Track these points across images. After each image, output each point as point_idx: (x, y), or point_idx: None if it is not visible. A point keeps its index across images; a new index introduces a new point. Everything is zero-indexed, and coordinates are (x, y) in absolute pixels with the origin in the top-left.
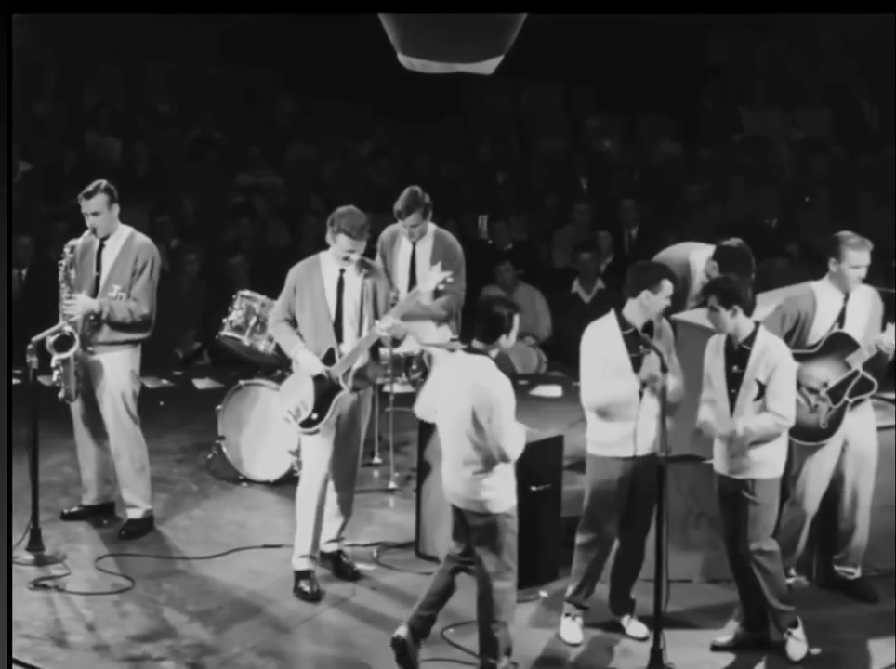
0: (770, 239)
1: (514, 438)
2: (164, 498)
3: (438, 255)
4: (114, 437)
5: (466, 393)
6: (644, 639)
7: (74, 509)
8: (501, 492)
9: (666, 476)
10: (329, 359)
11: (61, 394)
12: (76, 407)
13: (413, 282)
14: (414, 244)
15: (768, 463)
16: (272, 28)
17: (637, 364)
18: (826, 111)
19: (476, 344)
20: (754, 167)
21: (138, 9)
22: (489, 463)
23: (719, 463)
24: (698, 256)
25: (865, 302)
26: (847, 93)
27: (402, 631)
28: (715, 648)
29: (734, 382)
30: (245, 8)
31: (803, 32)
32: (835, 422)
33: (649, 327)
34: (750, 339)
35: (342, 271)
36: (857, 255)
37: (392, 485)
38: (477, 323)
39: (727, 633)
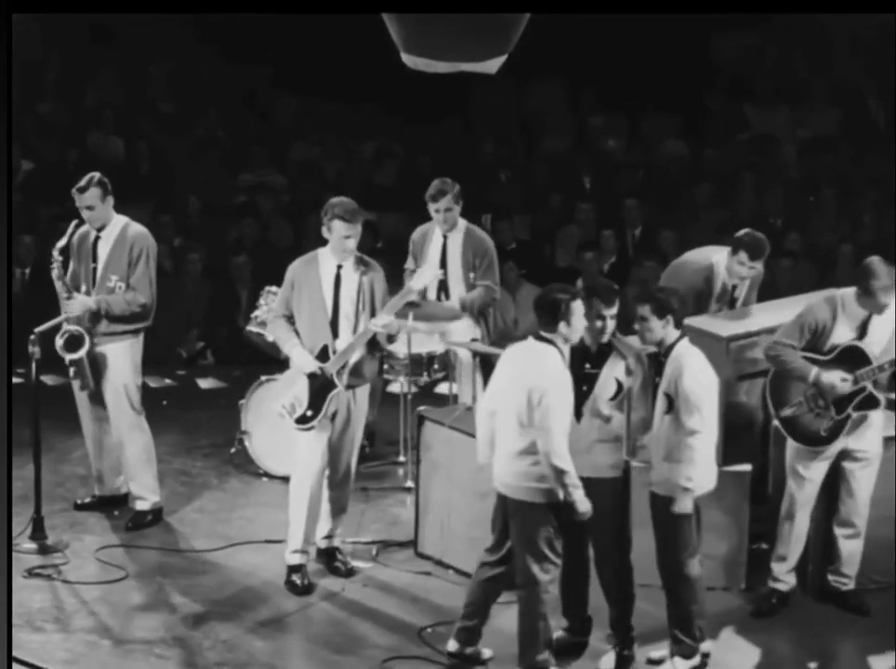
0: (775, 238)
1: (558, 434)
2: (182, 491)
3: (468, 249)
4: (117, 428)
5: (524, 378)
6: None
7: (87, 500)
8: (547, 484)
9: (629, 480)
10: (324, 355)
11: (78, 385)
12: (83, 399)
13: (444, 276)
14: (445, 238)
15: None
16: (275, 27)
17: (580, 381)
18: (833, 109)
19: (543, 333)
20: (760, 166)
21: (138, 9)
22: (537, 453)
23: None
24: (720, 258)
25: (889, 315)
26: (854, 92)
27: (451, 645)
28: (650, 662)
29: (655, 394)
30: (247, 8)
31: (809, 30)
32: (835, 432)
33: (602, 349)
34: (668, 351)
35: (339, 267)
36: (886, 297)
37: (410, 484)
38: (536, 310)
39: (662, 647)
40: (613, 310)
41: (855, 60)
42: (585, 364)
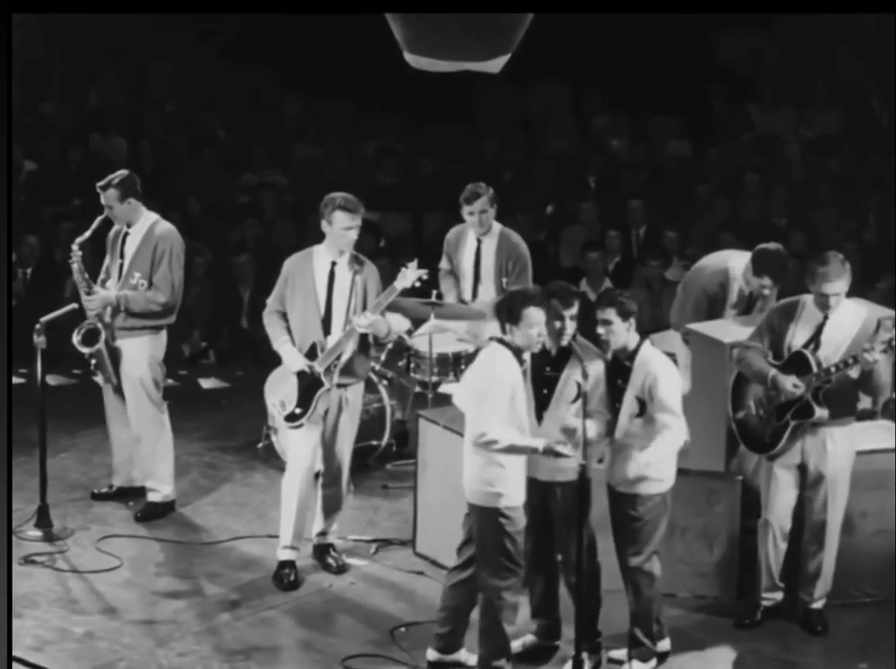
0: (780, 238)
1: (479, 423)
2: (203, 484)
3: (502, 253)
4: (135, 421)
5: (470, 378)
6: None
7: (104, 490)
8: (503, 488)
9: (588, 485)
10: (312, 353)
11: (100, 379)
12: (107, 392)
13: (477, 278)
14: (479, 242)
15: (650, 479)
16: (278, 27)
17: (540, 384)
18: (837, 109)
19: (500, 335)
20: (763, 166)
21: (137, 9)
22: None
23: (608, 474)
24: (737, 263)
25: (852, 321)
26: (858, 92)
27: (430, 654)
28: (610, 661)
29: (618, 396)
30: (251, 8)
31: (813, 30)
32: (775, 438)
33: (563, 353)
34: (633, 355)
35: (333, 264)
36: (827, 286)
37: None
38: (494, 313)
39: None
40: (572, 311)
41: (858, 60)
42: (545, 367)
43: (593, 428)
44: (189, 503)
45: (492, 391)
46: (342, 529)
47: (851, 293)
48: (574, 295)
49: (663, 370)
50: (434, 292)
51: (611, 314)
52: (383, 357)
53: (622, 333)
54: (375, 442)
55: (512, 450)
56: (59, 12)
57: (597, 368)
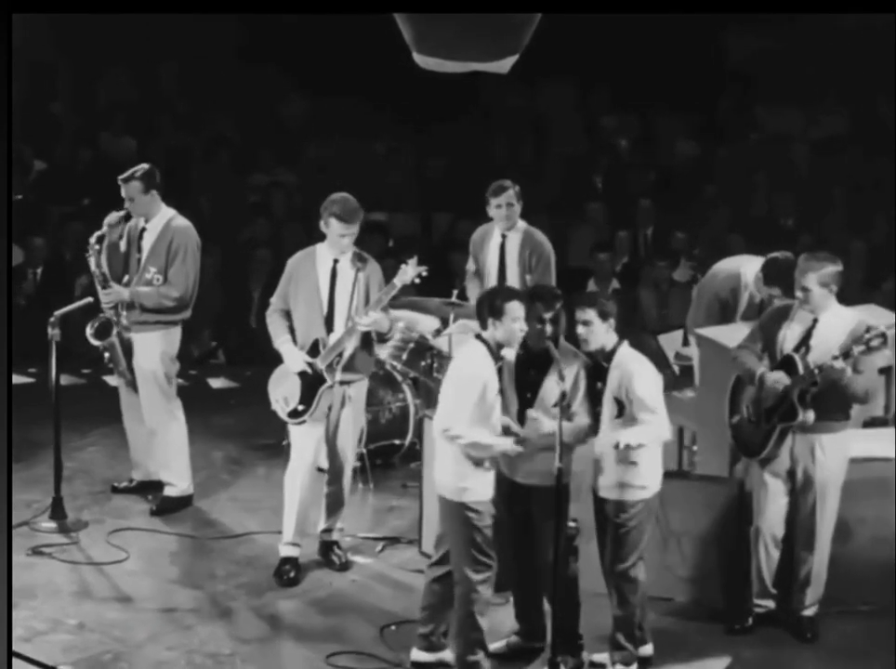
0: (787, 239)
1: (445, 416)
2: (224, 478)
3: (526, 249)
4: (148, 415)
5: (448, 372)
6: None
7: (124, 484)
8: (471, 483)
9: (566, 488)
10: (315, 349)
11: (115, 376)
12: (122, 386)
13: (502, 276)
14: (504, 238)
15: (634, 485)
16: (287, 27)
17: (524, 387)
18: (844, 110)
19: (480, 331)
20: (771, 167)
21: (139, 9)
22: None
23: (592, 480)
24: (749, 269)
25: (844, 325)
26: (865, 92)
27: (414, 653)
28: (592, 664)
29: (598, 399)
30: (260, 8)
31: (821, 31)
32: (763, 442)
33: (548, 355)
34: (609, 356)
35: (336, 262)
36: (801, 278)
37: None
38: (475, 309)
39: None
40: (553, 314)
41: (865, 61)
42: (530, 370)
43: (569, 431)
44: (207, 496)
45: (462, 386)
46: (356, 526)
47: (855, 294)
48: (557, 299)
49: (638, 369)
50: (454, 291)
51: (591, 315)
52: (405, 356)
53: (601, 333)
54: (398, 441)
55: (475, 447)
56: (59, 12)
57: (577, 370)
